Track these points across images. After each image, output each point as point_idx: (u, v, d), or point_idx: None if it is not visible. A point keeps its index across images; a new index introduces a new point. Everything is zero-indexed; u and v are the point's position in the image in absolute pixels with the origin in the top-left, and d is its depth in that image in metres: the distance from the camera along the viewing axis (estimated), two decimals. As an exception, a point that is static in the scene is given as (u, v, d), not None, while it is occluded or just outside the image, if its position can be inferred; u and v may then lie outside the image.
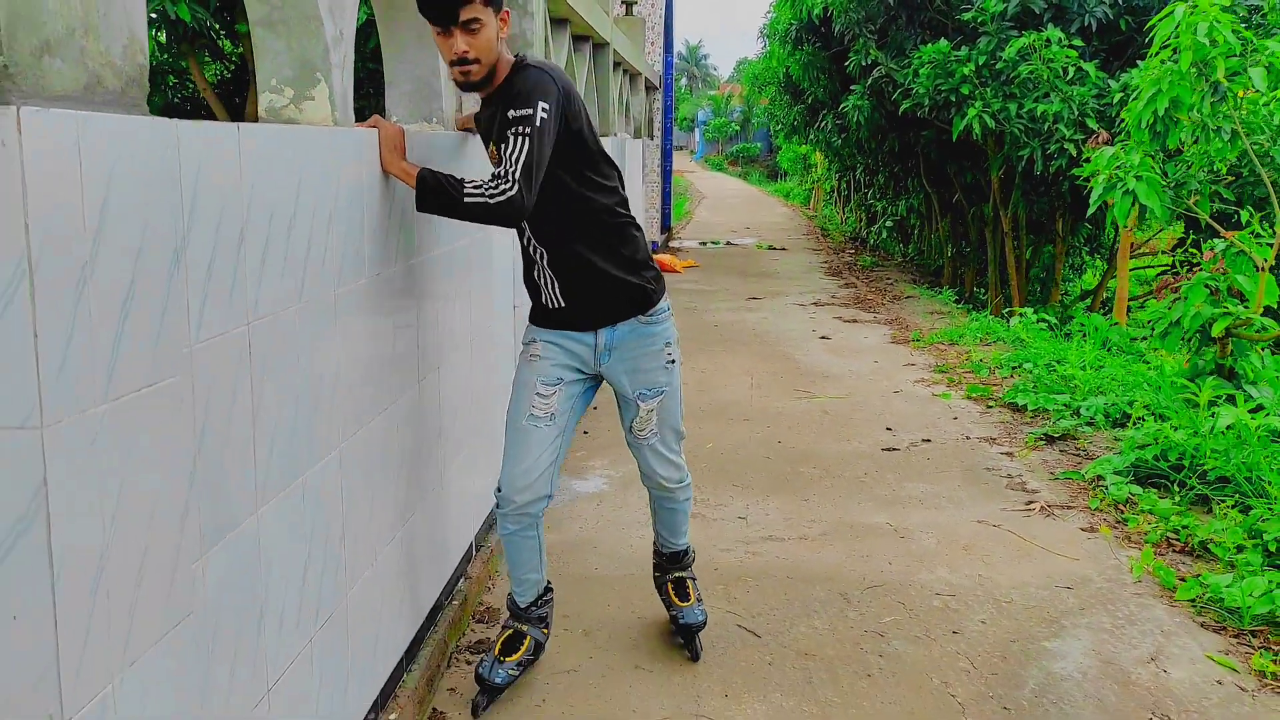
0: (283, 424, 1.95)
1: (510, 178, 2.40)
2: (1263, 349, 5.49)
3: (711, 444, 5.34)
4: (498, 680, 2.86)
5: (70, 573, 1.19)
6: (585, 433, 5.52)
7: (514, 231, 3.21)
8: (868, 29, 10.30)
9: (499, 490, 2.87)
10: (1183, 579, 3.67)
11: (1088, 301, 11.62)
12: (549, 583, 3.08)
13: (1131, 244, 11.12)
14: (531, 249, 2.82)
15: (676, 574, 3.26)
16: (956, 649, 3.23)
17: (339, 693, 2.30)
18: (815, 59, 12.79)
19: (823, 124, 13.87)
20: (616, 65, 8.32)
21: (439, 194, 2.44)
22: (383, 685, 2.60)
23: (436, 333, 3.05)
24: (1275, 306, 5.26)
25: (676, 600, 3.21)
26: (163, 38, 7.28)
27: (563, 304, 2.81)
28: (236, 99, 8.79)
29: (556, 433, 2.84)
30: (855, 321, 9.37)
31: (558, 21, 5.63)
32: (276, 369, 1.92)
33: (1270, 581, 3.49)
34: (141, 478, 1.34)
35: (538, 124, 2.43)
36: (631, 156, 9.43)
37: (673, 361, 2.95)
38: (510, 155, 2.42)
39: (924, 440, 5.50)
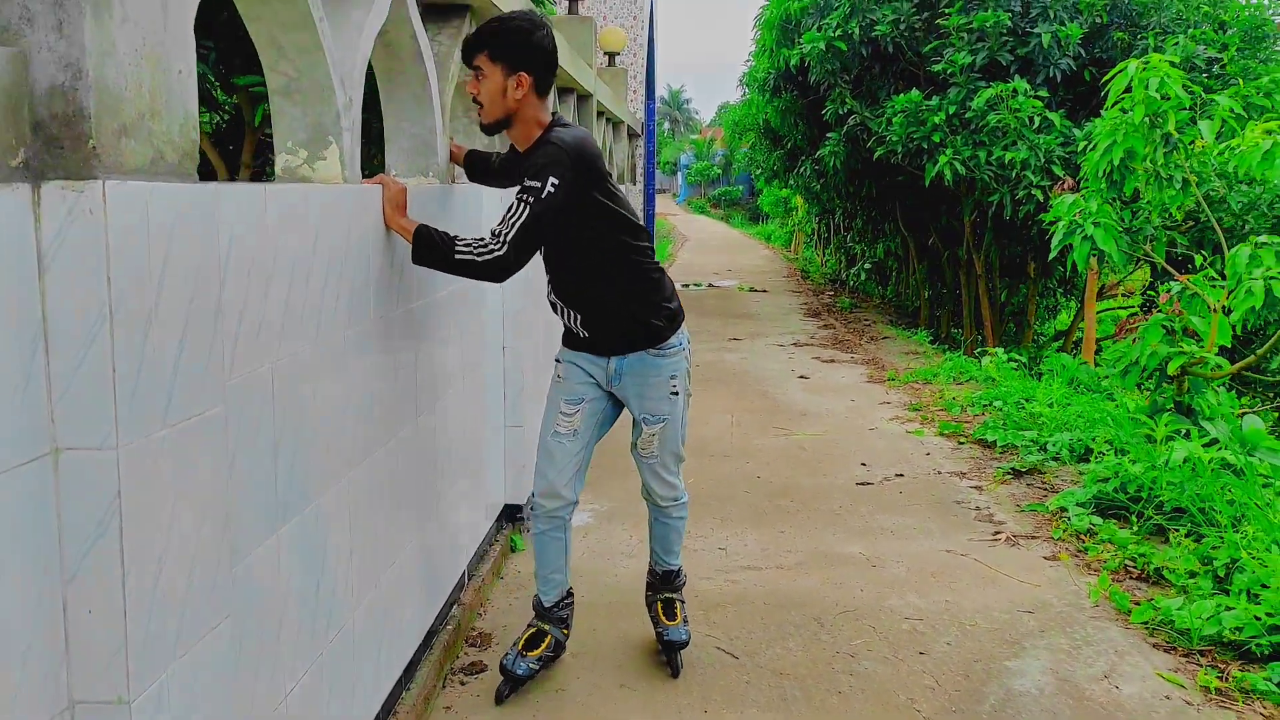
0: (299, 453, 2.15)
1: (502, 240, 2.69)
2: (1218, 386, 5.75)
3: (693, 479, 5.54)
4: (520, 671, 3.18)
5: (136, 574, 1.39)
6: (571, 469, 5.72)
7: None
8: (843, 79, 10.66)
9: (533, 495, 3.28)
10: (1137, 603, 3.88)
11: (1061, 342, 11.93)
12: (571, 588, 3.40)
13: (1104, 286, 11.46)
14: (551, 292, 3.19)
15: (667, 594, 3.50)
16: (923, 668, 3.43)
17: (346, 704, 2.48)
18: (793, 107, 13.15)
19: (801, 169, 14.21)
20: (600, 115, 8.61)
21: (432, 250, 2.71)
22: (384, 700, 2.78)
23: (432, 372, 3.26)
24: (1229, 346, 5.53)
25: (664, 619, 3.44)
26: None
27: (587, 334, 3.17)
28: (230, 146, 9.01)
29: (579, 447, 3.22)
30: (833, 362, 9.61)
31: (544, 76, 5.90)
32: (294, 403, 2.12)
33: (1218, 605, 3.70)
34: (191, 494, 1.54)
35: (543, 196, 2.71)
36: (615, 202, 9.69)
37: (676, 393, 3.22)
38: (509, 219, 2.70)
39: (897, 475, 5.72)
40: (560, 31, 6.22)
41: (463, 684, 3.27)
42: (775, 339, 11.01)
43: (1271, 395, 10.09)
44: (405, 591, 3.00)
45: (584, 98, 7.55)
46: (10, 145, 1.26)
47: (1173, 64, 5.64)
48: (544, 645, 3.28)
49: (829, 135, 11.40)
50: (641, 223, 3.20)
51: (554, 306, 3.22)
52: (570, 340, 3.25)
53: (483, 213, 3.98)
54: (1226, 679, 3.34)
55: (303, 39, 2.29)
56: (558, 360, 3.29)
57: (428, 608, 3.27)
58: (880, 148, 10.08)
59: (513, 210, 2.72)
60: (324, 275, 2.28)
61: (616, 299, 3.11)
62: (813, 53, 10.35)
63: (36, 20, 1.26)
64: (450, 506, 3.52)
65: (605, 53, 11.20)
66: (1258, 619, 3.53)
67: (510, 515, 4.58)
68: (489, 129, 2.97)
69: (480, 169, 3.51)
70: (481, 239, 2.71)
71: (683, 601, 3.52)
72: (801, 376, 8.79)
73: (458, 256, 2.69)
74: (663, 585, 3.51)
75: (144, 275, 1.39)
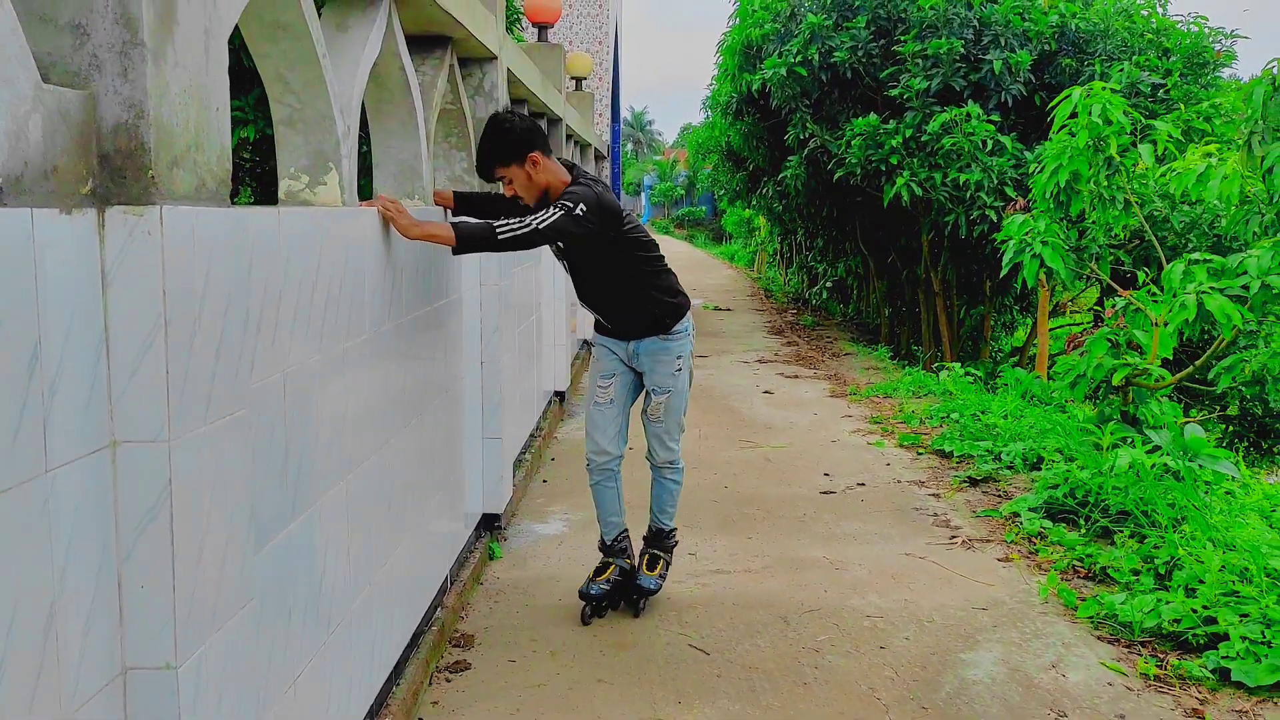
0: (305, 456, 2.33)
1: (535, 225, 3.32)
2: (1161, 396, 6.04)
3: (663, 490, 5.73)
4: (593, 591, 3.93)
5: (183, 554, 1.56)
6: (545, 481, 5.90)
7: (481, 297, 3.99)
8: (803, 103, 10.96)
9: (587, 455, 4.03)
10: (1083, 599, 4.12)
11: (1017, 357, 12.27)
12: (626, 527, 4.13)
13: (1058, 304, 11.83)
14: (582, 298, 3.91)
15: (654, 551, 4.14)
16: (883, 661, 3.64)
17: (343, 695, 2.64)
18: (755, 130, 13.44)
19: (764, 190, 14.51)
20: (569, 138, 8.83)
21: (475, 240, 3.26)
22: (377, 693, 2.94)
23: (418, 385, 3.43)
24: (1170, 358, 5.82)
25: (645, 569, 4.08)
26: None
27: (610, 325, 3.94)
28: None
29: (617, 411, 3.99)
30: (796, 377, 9.86)
31: (516, 102, 6.11)
32: (301, 409, 2.30)
33: (1158, 599, 3.95)
34: (223, 487, 1.71)
35: (573, 212, 3.37)
36: (583, 222, 9.90)
37: (680, 371, 3.95)
38: (544, 215, 3.32)
39: (859, 484, 5.95)
40: (531, 59, 6.44)
41: (448, 680, 3.44)
42: (740, 356, 11.25)
43: (1217, 405, 10.48)
44: (394, 593, 3.16)
45: (554, 122, 7.77)
46: (81, 175, 1.44)
47: (1115, 90, 5.95)
48: (609, 571, 4.00)
49: (790, 158, 11.69)
50: (649, 235, 3.87)
51: (580, 302, 3.95)
52: (600, 328, 4.00)
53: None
54: (1165, 667, 3.58)
55: (307, 74, 2.48)
56: (593, 344, 4.04)
57: (414, 609, 3.43)
58: (840, 170, 10.39)
59: (548, 211, 3.35)
60: (326, 291, 2.46)
61: (633, 305, 3.84)
62: (774, 78, 10.65)
63: (105, 67, 1.45)
64: (433, 514, 3.69)
65: (572, 77, 11.43)
66: (1194, 611, 3.78)
67: (488, 524, 4.75)
68: (538, 205, 3.56)
69: (470, 205, 3.87)
70: (519, 219, 3.32)
71: (668, 562, 4.15)
72: (766, 392, 9.03)
73: (500, 237, 3.26)
74: (654, 541, 4.16)
75: (191, 289, 1.58)
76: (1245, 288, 4.19)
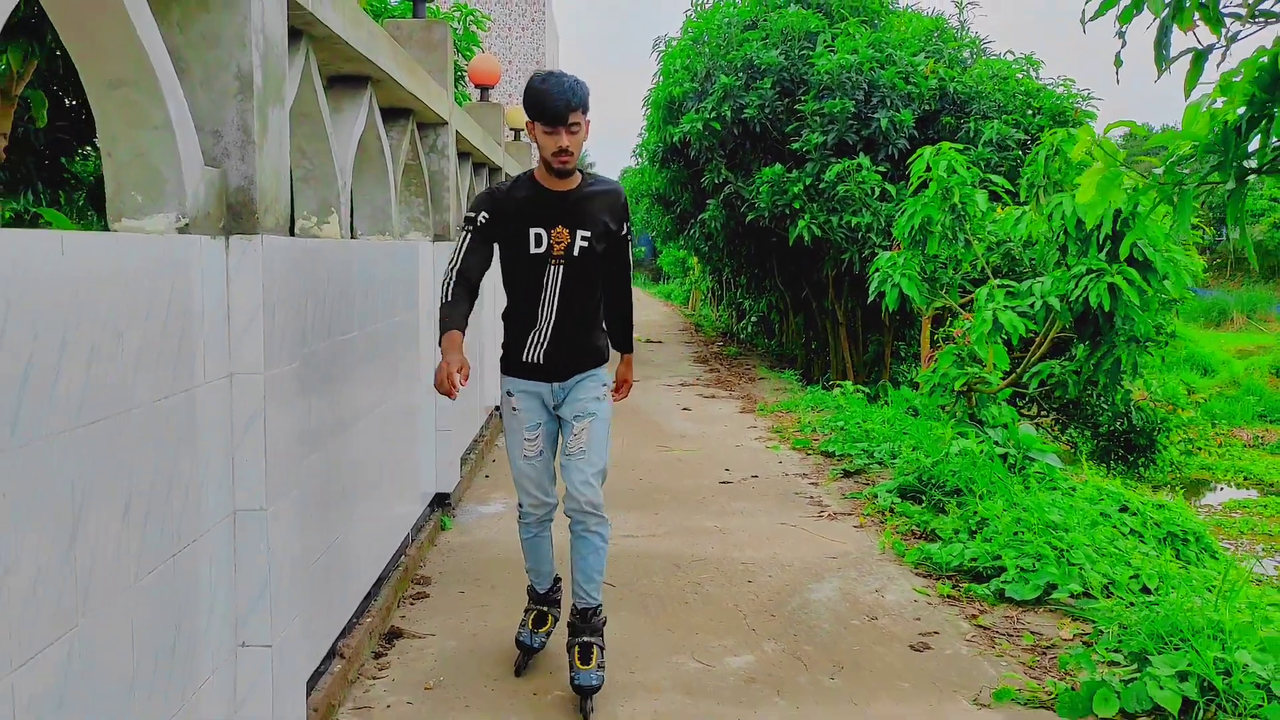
0: (327, 402, 3.37)
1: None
2: (1001, 400, 7.27)
3: (586, 481, 6.79)
4: (535, 645, 3.83)
5: (271, 444, 2.61)
6: (487, 476, 6.94)
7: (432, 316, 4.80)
8: (719, 153, 12.23)
9: (521, 507, 3.72)
10: (910, 549, 5.26)
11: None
12: (558, 575, 3.97)
13: (952, 334, 13.13)
14: (543, 315, 3.49)
15: (586, 638, 3.57)
16: (749, 591, 4.73)
17: (362, 563, 3.66)
18: (679, 176, 14.70)
19: (690, 231, 15.75)
20: (507, 184, 9.94)
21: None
22: (362, 598, 3.96)
23: (392, 372, 4.47)
24: (1007, 369, 7.04)
25: (579, 663, 3.51)
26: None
27: (540, 362, 3.54)
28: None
29: (545, 462, 3.64)
30: (714, 397, 11.01)
31: (462, 155, 7.21)
32: (342, 365, 3.34)
33: (964, 546, 5.11)
34: (292, 405, 2.76)
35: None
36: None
37: (602, 398, 3.60)
38: (631, 262, 3.76)
39: (753, 476, 7.07)
40: (474, 118, 7.56)
41: (412, 604, 4.46)
42: (665, 380, 12.38)
43: (1090, 424, 11.81)
44: (373, 531, 4.18)
45: (495, 170, 8.88)
46: (219, 218, 2.50)
47: (988, 142, 7.19)
48: (548, 624, 3.88)
49: (709, 201, 12.93)
50: None
51: (524, 329, 3.52)
52: (519, 370, 3.57)
53: (419, 262, 5.23)
54: (959, 589, 4.72)
55: (319, 146, 3.56)
56: (509, 393, 3.60)
57: (384, 552, 4.45)
58: (751, 213, 11.63)
59: (631, 255, 3.69)
60: (336, 297, 3.52)
61: (595, 327, 3.62)
62: (692, 131, 11.90)
63: (230, 153, 2.51)
64: (399, 479, 4.72)
65: (511, 129, 12.55)
66: (988, 553, 4.94)
67: (440, 502, 5.77)
68: (571, 172, 3.38)
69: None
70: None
71: (601, 646, 3.59)
72: (685, 409, 10.15)
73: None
74: (582, 626, 3.60)
75: (274, 283, 2.64)
76: (1033, 305, 5.40)
